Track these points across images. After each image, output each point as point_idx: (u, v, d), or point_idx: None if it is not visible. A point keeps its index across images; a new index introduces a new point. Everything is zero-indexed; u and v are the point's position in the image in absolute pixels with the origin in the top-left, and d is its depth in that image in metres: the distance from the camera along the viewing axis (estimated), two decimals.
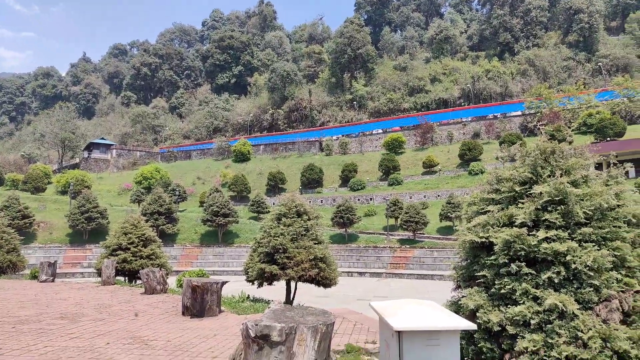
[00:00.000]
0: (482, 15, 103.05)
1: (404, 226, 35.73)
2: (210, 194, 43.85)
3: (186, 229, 41.38)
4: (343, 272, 25.54)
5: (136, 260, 15.86)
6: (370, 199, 48.34)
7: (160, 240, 18.27)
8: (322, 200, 49.60)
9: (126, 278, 16.39)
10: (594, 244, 4.42)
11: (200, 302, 9.17)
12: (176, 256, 36.58)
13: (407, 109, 78.27)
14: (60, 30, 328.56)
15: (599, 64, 74.40)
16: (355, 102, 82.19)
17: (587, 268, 4.26)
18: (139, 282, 15.43)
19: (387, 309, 4.13)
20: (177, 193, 48.32)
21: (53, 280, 16.22)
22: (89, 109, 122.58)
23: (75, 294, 12.68)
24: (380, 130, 69.47)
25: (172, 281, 16.13)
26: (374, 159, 58.85)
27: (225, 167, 64.45)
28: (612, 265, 4.31)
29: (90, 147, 74.97)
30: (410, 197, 45.28)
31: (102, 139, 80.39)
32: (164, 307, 10.39)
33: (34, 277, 17.23)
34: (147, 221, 18.92)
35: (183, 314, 9.34)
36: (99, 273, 15.87)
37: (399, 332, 3.60)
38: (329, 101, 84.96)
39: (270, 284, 12.40)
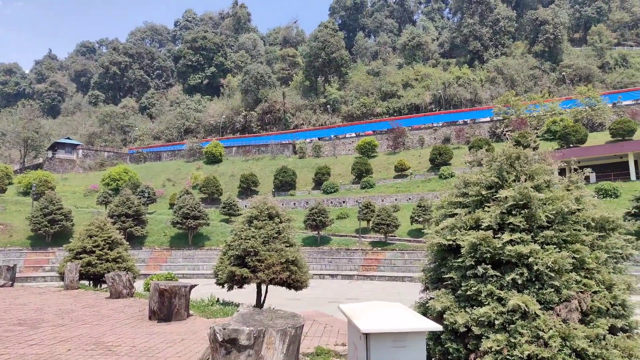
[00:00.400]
0: (453, 23, 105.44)
1: (375, 229, 36.04)
2: (180, 196, 43.08)
3: (155, 232, 40.50)
4: (315, 274, 25.53)
5: (102, 263, 15.42)
6: (343, 202, 48.58)
7: (128, 243, 17.83)
8: (295, 203, 49.50)
9: (91, 282, 15.90)
10: (555, 246, 4.57)
11: (168, 306, 8.98)
12: (145, 259, 35.72)
13: (380, 114, 79.17)
14: (24, 26, 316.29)
15: (563, 73, 77.37)
16: (328, 106, 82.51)
17: (549, 269, 4.40)
18: (104, 286, 14.99)
19: (356, 311, 4.15)
20: (147, 195, 47.23)
21: (12, 285, 15.56)
22: (54, 108, 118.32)
23: (35, 298, 12.20)
24: (353, 134, 70.05)
25: (139, 285, 15.74)
26: (347, 162, 59.21)
27: (196, 169, 63.45)
28: (572, 267, 4.46)
29: (55, 146, 72.06)
30: (382, 200, 45.75)
31: (68, 138, 77.50)
32: (129, 311, 10.12)
33: None
34: (114, 223, 18.47)
35: (150, 318, 9.11)
36: (61, 277, 15.32)
37: (367, 334, 3.62)
38: (302, 104, 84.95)
39: (240, 287, 12.27)
